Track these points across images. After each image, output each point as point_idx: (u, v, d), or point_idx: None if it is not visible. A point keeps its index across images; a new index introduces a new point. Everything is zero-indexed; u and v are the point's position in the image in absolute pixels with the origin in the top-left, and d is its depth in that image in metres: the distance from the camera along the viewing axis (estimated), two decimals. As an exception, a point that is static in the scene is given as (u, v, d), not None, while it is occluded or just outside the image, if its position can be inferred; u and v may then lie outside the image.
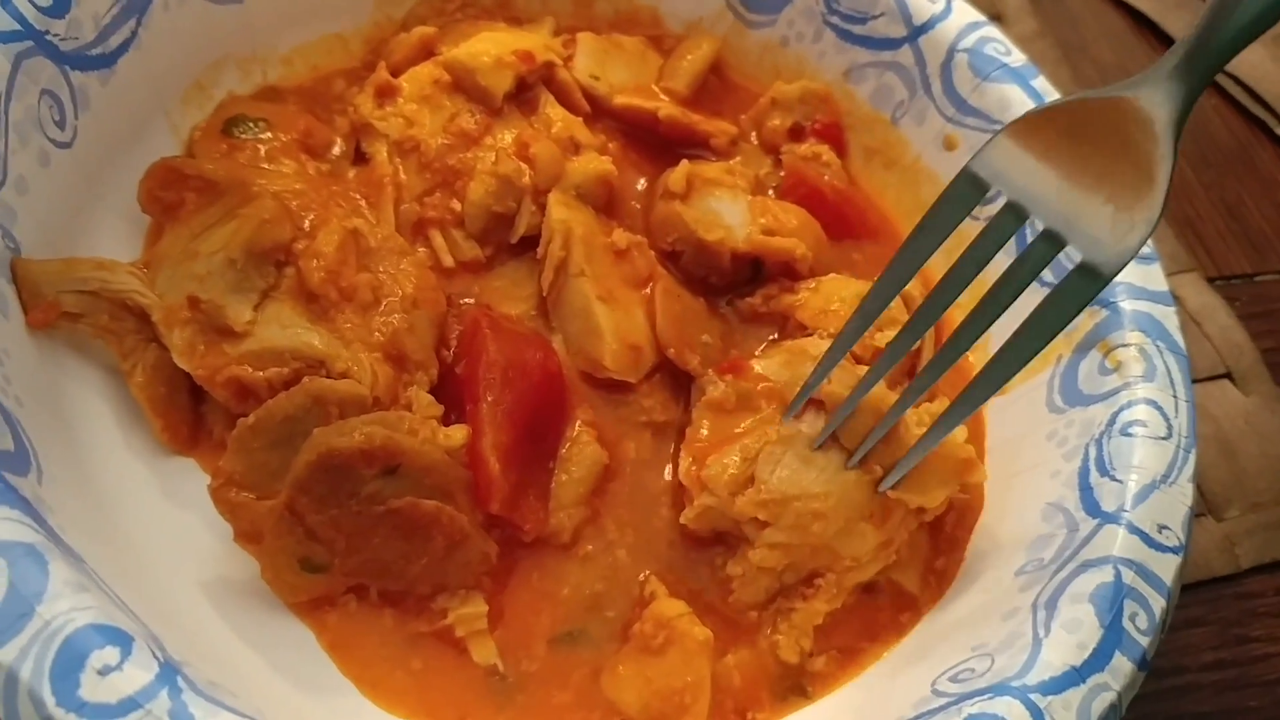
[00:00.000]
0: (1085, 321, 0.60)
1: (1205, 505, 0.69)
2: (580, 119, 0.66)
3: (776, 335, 0.63)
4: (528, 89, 0.65)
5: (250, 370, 0.55)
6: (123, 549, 0.52)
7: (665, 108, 0.68)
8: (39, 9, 0.55)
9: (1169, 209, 0.80)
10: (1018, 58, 0.67)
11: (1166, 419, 0.55)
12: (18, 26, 0.54)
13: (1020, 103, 0.65)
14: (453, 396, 0.57)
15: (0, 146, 0.53)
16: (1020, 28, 0.88)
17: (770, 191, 0.69)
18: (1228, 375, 0.74)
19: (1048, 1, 0.91)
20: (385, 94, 0.64)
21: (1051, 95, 0.66)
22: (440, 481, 0.53)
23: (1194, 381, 0.73)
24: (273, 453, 0.53)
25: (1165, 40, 0.92)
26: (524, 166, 0.62)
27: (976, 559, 0.58)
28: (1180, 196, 0.83)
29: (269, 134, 0.62)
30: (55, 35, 0.56)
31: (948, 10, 0.68)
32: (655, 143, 0.69)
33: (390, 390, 0.56)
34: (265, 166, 0.61)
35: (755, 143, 0.70)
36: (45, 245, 0.55)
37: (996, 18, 0.88)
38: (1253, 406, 0.73)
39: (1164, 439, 0.55)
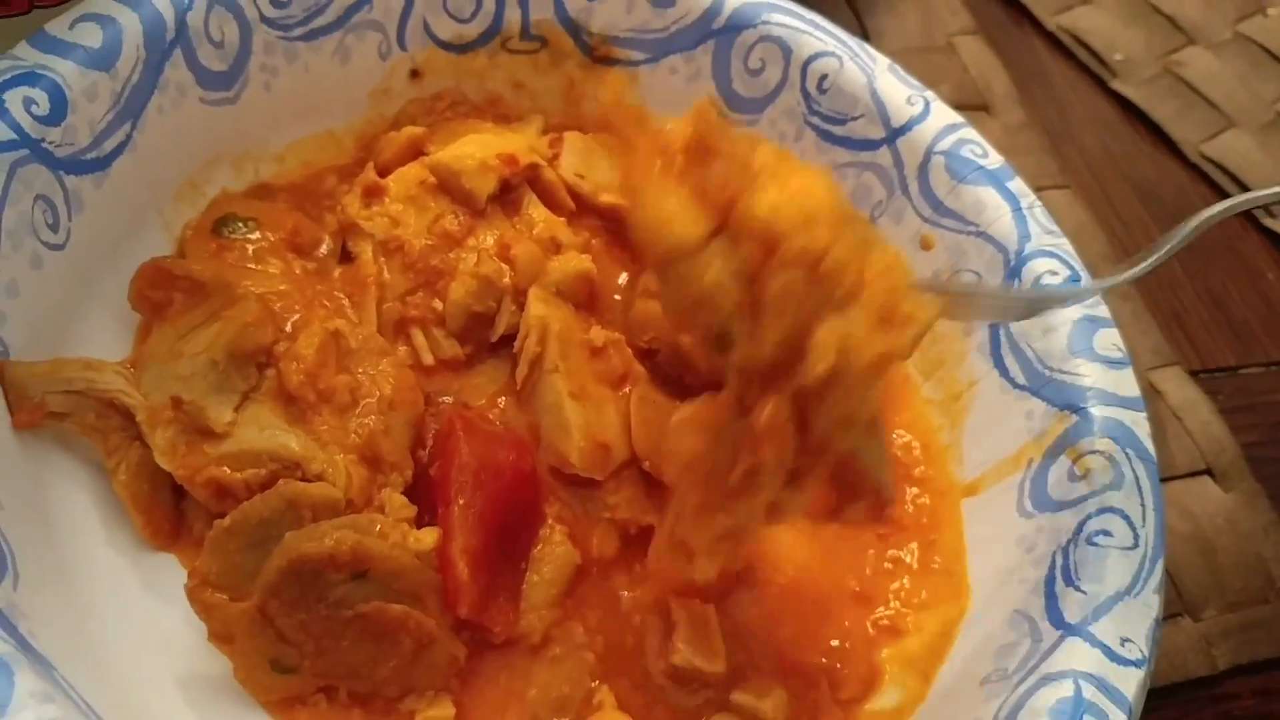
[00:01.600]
0: (1055, 426, 0.61)
1: (1182, 605, 0.69)
2: (562, 219, 0.67)
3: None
4: (511, 189, 0.67)
5: (229, 471, 0.56)
6: (98, 648, 0.53)
7: (647, 206, 0.69)
8: (35, 118, 0.57)
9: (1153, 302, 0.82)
10: (994, 159, 0.68)
11: (1133, 528, 0.56)
12: (14, 136, 0.56)
13: (995, 205, 0.66)
14: (427, 497, 0.58)
15: (-12, 252, 0.55)
16: (1008, 117, 0.89)
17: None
18: (1208, 471, 0.74)
19: (1036, 90, 0.92)
20: (372, 194, 0.65)
21: (1027, 196, 0.67)
22: (409, 585, 0.54)
23: (1173, 478, 0.74)
24: (248, 554, 0.54)
25: (1153, 128, 0.93)
26: (505, 267, 0.63)
27: (946, 664, 0.59)
28: (1166, 288, 0.84)
29: (258, 233, 0.64)
30: (51, 142, 0.57)
31: (926, 112, 0.69)
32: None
33: (364, 492, 0.57)
34: (252, 266, 0.62)
35: (737, 238, 0.72)
36: (36, 344, 0.57)
37: (984, 108, 0.89)
38: (1232, 503, 0.73)
39: (1130, 549, 0.55)
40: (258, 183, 0.69)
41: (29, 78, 0.57)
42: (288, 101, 0.68)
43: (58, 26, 0.59)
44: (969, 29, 0.94)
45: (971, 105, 0.87)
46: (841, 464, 0.52)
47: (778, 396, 0.48)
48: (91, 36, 0.59)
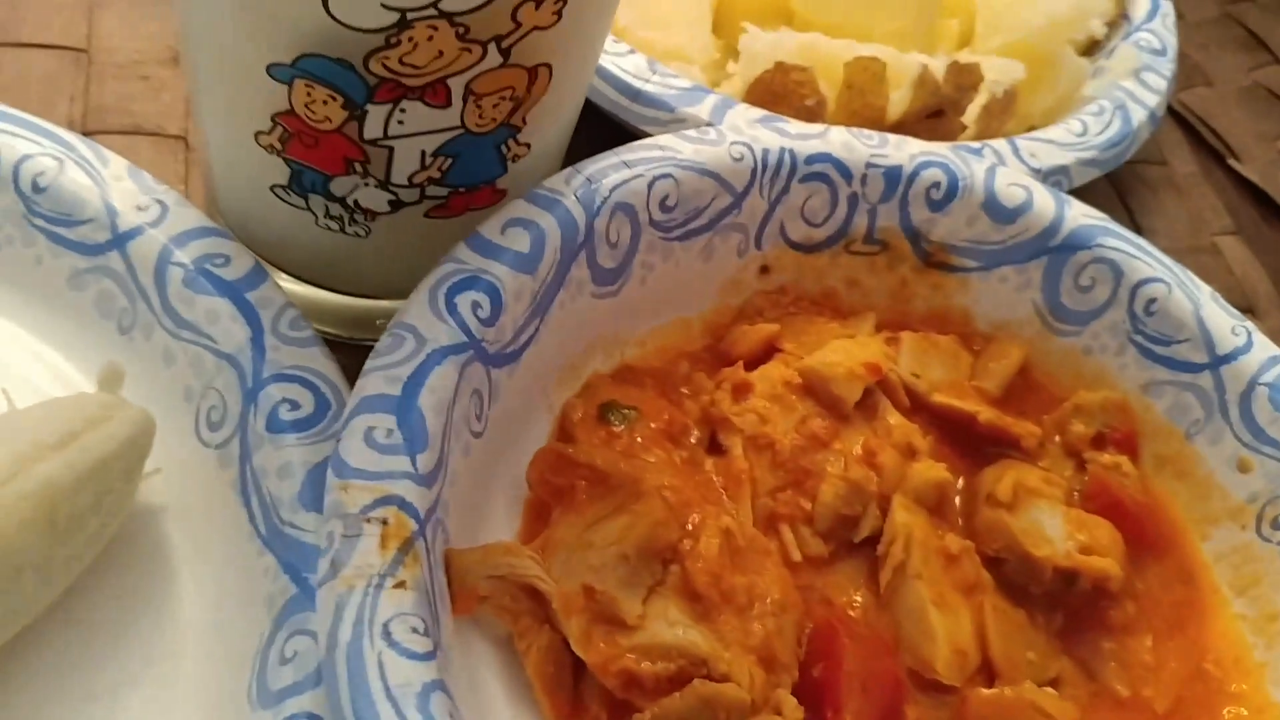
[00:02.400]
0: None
1: None
2: (916, 426, 0.72)
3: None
4: (869, 395, 0.71)
5: (640, 662, 0.60)
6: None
7: (984, 412, 0.73)
8: (480, 320, 0.62)
9: None
10: (1314, 394, 0.73)
11: None
12: (464, 338, 0.61)
13: (1318, 438, 0.71)
14: (808, 697, 0.62)
15: (445, 448, 0.59)
16: (1272, 322, 0.93)
17: (1075, 494, 0.74)
18: None
19: (1294, 296, 0.97)
20: (740, 390, 0.70)
21: (1346, 432, 0.71)
22: (817, 791, 0.58)
23: None
24: (668, 750, 0.58)
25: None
26: (871, 474, 0.68)
27: None
28: None
29: (639, 423, 0.68)
30: (487, 342, 0.62)
31: (1249, 344, 0.74)
32: (965, 438, 0.75)
33: (763, 693, 0.61)
34: (642, 457, 0.67)
35: (1058, 444, 0.76)
36: (459, 531, 0.62)
37: (1250, 311, 0.94)
38: None
39: None
40: (623, 364, 0.73)
41: (474, 282, 0.62)
42: (657, 293, 0.73)
43: (491, 230, 0.65)
44: (1230, 229, 0.98)
45: (1238, 308, 0.91)
46: None
47: None
48: (520, 241, 0.65)
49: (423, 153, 0.61)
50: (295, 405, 0.63)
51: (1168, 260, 0.76)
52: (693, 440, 0.70)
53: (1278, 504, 0.71)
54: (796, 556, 0.67)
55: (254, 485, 0.63)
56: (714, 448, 0.70)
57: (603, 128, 0.80)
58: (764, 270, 0.77)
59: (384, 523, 0.55)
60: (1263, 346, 0.74)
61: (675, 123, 0.80)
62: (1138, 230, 0.95)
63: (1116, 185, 0.99)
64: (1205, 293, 0.75)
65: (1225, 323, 0.74)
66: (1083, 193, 0.86)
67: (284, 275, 0.72)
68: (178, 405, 0.66)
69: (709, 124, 0.78)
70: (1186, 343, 0.75)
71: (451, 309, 0.61)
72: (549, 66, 0.59)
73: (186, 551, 0.63)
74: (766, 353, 0.73)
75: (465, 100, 0.58)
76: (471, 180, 0.64)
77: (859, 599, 0.67)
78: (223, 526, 0.63)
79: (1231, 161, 1.06)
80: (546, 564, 0.63)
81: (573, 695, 0.63)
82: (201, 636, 0.61)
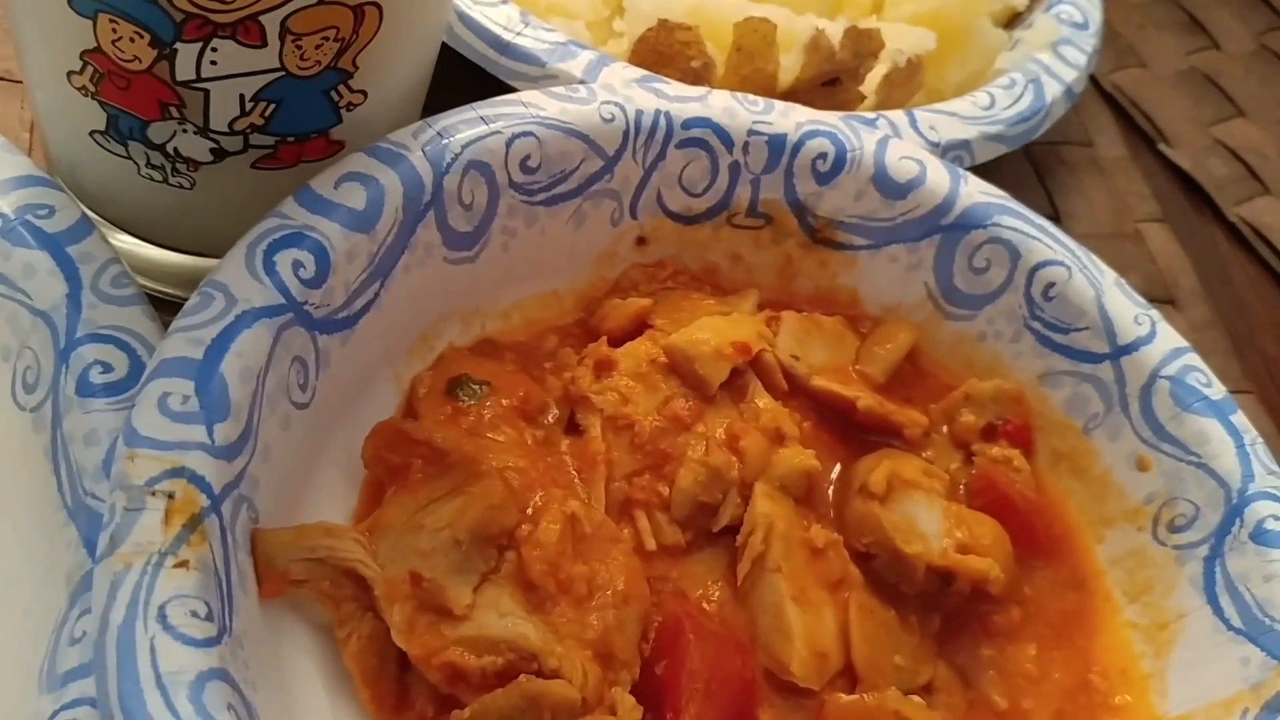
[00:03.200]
0: (1275, 680, 0.60)
1: None
2: (787, 410, 0.67)
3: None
4: (739, 375, 0.67)
5: (465, 655, 0.56)
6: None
7: (864, 398, 0.69)
8: (301, 281, 0.57)
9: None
10: (1218, 390, 0.68)
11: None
12: (282, 300, 0.56)
13: (1219, 438, 0.66)
14: (649, 696, 0.57)
15: (254, 419, 0.55)
16: (1193, 314, 0.89)
17: (960, 488, 0.69)
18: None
19: (1217, 285, 0.92)
20: (603, 368, 0.65)
21: (1249, 432, 0.66)
22: (645, 797, 0.53)
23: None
24: (485, 750, 0.54)
25: (1332, 333, 0.93)
26: (733, 459, 0.63)
27: None
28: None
29: (491, 399, 0.64)
30: (311, 305, 0.58)
31: (1152, 334, 0.69)
32: (846, 425, 0.70)
33: (597, 691, 0.56)
34: (489, 436, 0.62)
35: (945, 434, 0.71)
36: (277, 508, 0.57)
37: (1170, 302, 0.89)
38: None
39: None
40: (483, 338, 0.69)
41: (297, 239, 0.57)
42: (521, 261, 0.68)
43: (323, 184, 0.60)
44: (1155, 216, 0.94)
45: (1159, 298, 0.87)
46: None
47: None
48: (355, 197, 0.60)
49: (241, 97, 0.56)
50: (108, 368, 0.59)
51: (1070, 243, 0.72)
52: (550, 419, 0.66)
53: (1175, 505, 0.67)
54: (651, 545, 0.63)
55: (63, 452, 0.58)
56: (572, 428, 0.66)
57: (475, 84, 0.75)
58: (641, 241, 0.72)
59: (170, 496, 0.50)
60: (1167, 337, 0.69)
61: (546, 79, 0.75)
62: (1055, 214, 0.91)
63: (1036, 165, 0.94)
64: (1109, 278, 0.71)
65: (1129, 311, 0.70)
66: (999, 173, 0.81)
67: (121, 231, 0.67)
68: (-7, 366, 0.62)
69: (582, 81, 0.74)
70: (1086, 331, 0.70)
71: (269, 268, 0.56)
72: (377, 6, 0.55)
73: (-10, 520, 0.59)
74: (637, 329, 0.69)
75: (283, 40, 0.53)
76: (300, 129, 0.59)
77: (716, 593, 0.63)
78: (32, 495, 0.58)
79: (1162, 146, 1.02)
80: (374, 547, 0.58)
81: (397, 688, 0.58)
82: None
